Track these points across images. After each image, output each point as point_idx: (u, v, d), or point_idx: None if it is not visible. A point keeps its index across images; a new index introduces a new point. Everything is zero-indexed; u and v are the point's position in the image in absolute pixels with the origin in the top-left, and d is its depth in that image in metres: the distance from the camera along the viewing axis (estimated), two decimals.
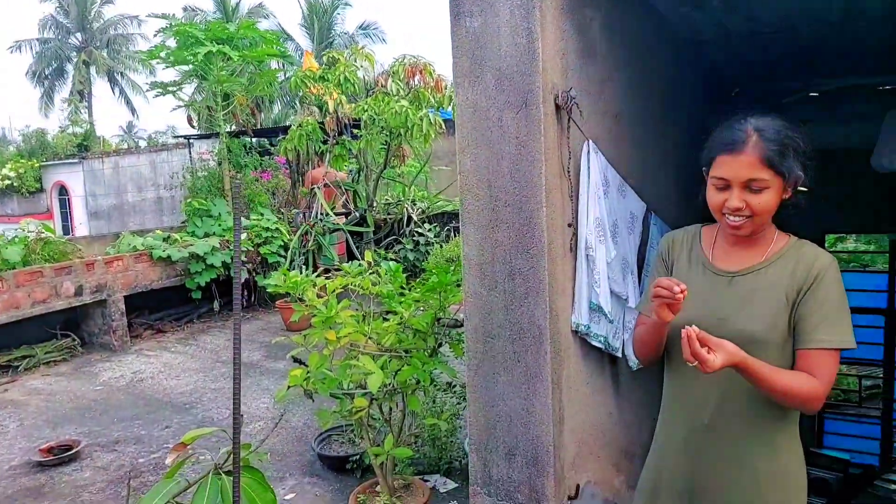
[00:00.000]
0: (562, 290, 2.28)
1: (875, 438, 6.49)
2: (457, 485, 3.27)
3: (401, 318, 2.75)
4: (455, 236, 8.26)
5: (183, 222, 8.51)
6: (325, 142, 7.86)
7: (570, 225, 2.35)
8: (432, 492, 3.11)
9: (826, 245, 6.45)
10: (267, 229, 7.47)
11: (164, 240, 7.41)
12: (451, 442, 3.50)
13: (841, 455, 5.02)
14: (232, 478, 1.36)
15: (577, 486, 2.34)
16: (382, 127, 7.13)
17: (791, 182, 1.58)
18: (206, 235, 7.60)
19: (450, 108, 7.56)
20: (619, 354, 2.59)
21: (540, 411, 2.20)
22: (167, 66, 8.03)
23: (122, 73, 30.44)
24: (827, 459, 5.28)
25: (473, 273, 2.33)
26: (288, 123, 11.62)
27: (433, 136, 7.10)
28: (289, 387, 2.59)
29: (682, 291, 1.52)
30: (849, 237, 9.58)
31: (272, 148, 9.72)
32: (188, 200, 8.02)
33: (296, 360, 2.86)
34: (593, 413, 2.55)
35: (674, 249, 1.83)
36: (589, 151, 2.37)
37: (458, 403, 3.59)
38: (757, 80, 4.84)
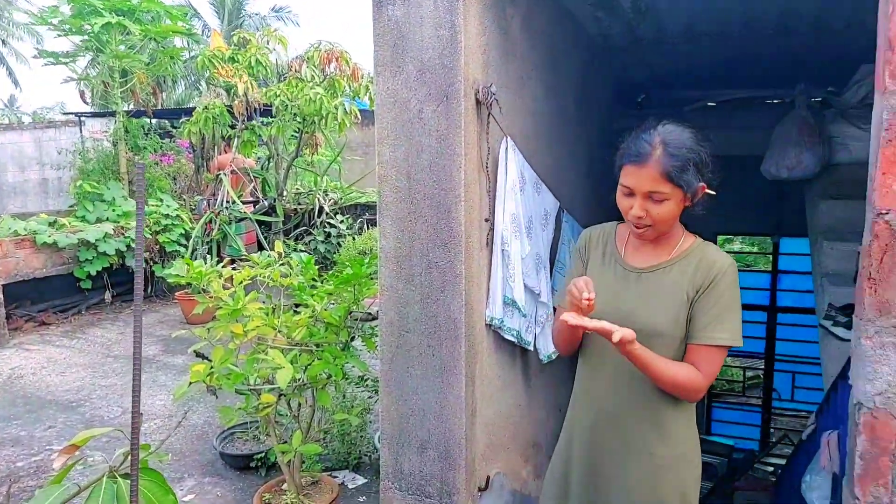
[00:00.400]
0: (477, 284, 2.29)
1: (756, 425, 7.03)
2: (366, 480, 3.23)
3: (312, 312, 2.67)
4: (368, 229, 8.16)
5: (72, 206, 7.90)
6: (232, 126, 7.52)
7: (487, 220, 2.36)
8: (341, 488, 3.05)
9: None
10: (167, 216, 7.06)
11: (50, 224, 6.84)
12: (362, 437, 3.46)
13: (726, 441, 5.41)
14: (129, 481, 1.27)
15: (488, 478, 2.37)
16: (295, 114, 6.91)
17: (690, 194, 1.67)
18: (98, 221, 7.09)
19: (366, 99, 7.44)
20: (531, 348, 2.64)
21: (453, 404, 2.20)
22: (59, 35, 7.40)
23: (3, 41, 27.85)
24: (713, 445, 5.67)
25: (390, 266, 2.30)
26: (192, 105, 11.05)
27: (348, 125, 6.97)
28: (190, 383, 2.45)
29: (588, 300, 1.58)
30: (735, 239, 10.32)
31: (174, 130, 9.21)
32: (78, 183, 7.44)
33: (198, 354, 2.71)
34: (504, 405, 2.59)
35: (590, 244, 1.90)
36: (507, 148, 2.39)
37: (370, 398, 3.54)
38: (662, 88, 5.09)
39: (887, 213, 1.65)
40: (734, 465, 5.49)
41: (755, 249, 9.91)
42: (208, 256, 6.48)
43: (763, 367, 6.99)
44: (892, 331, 1.66)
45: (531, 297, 2.60)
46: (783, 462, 5.50)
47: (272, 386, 2.57)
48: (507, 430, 2.63)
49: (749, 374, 7.70)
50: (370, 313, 3.20)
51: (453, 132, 2.14)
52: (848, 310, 3.19)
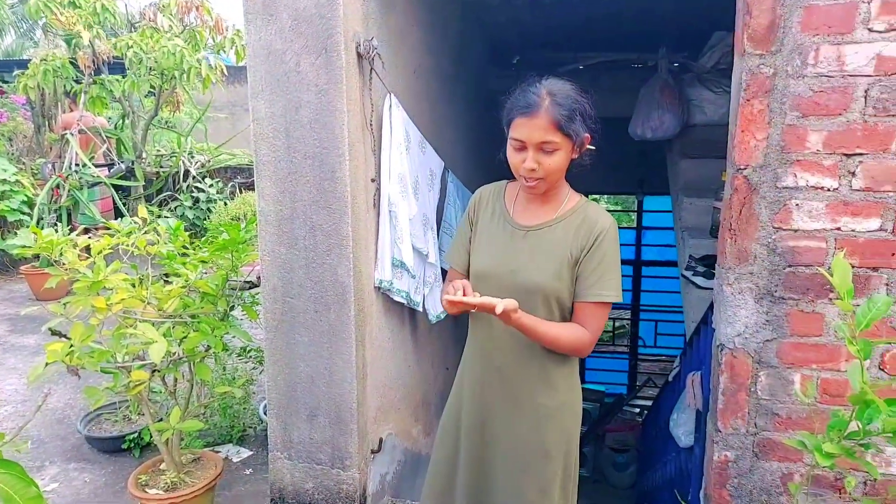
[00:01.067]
0: (365, 246, 2.24)
1: (624, 371, 7.61)
2: (251, 452, 3.12)
3: (186, 281, 2.48)
4: (241, 193, 7.73)
5: None
6: (78, 81, 6.74)
7: (373, 180, 2.30)
8: (225, 462, 2.92)
9: None
10: (4, 181, 6.26)
11: None
12: (245, 409, 3.31)
13: (598, 387, 5.80)
14: None
15: (380, 440, 2.36)
16: (151, 68, 6.30)
17: (578, 144, 1.70)
18: None
19: (231, 54, 6.93)
20: (420, 309, 2.64)
21: (343, 369, 2.16)
22: None
23: None
24: (587, 392, 6.06)
25: (271, 230, 2.18)
26: (27, 57, 9.79)
27: (213, 81, 6.48)
28: (47, 363, 2.20)
29: (459, 301, 1.58)
30: (601, 198, 10.94)
31: (5, 85, 8.13)
32: None
33: (54, 332, 2.43)
34: (394, 367, 2.58)
35: (481, 204, 1.90)
36: (391, 105, 2.33)
37: (254, 369, 3.40)
38: (536, 49, 5.19)
39: (745, 168, 1.78)
40: (605, 409, 5.91)
41: (619, 208, 10.59)
42: (58, 225, 5.85)
43: (630, 317, 7.55)
44: (750, 277, 1.81)
45: (419, 258, 2.58)
46: (649, 403, 6.01)
47: (144, 362, 2.37)
48: (398, 392, 2.63)
49: (617, 324, 8.29)
50: (250, 281, 3.05)
51: (334, 87, 2.03)
52: (706, 260, 3.49)
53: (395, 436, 2.57)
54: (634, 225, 7.38)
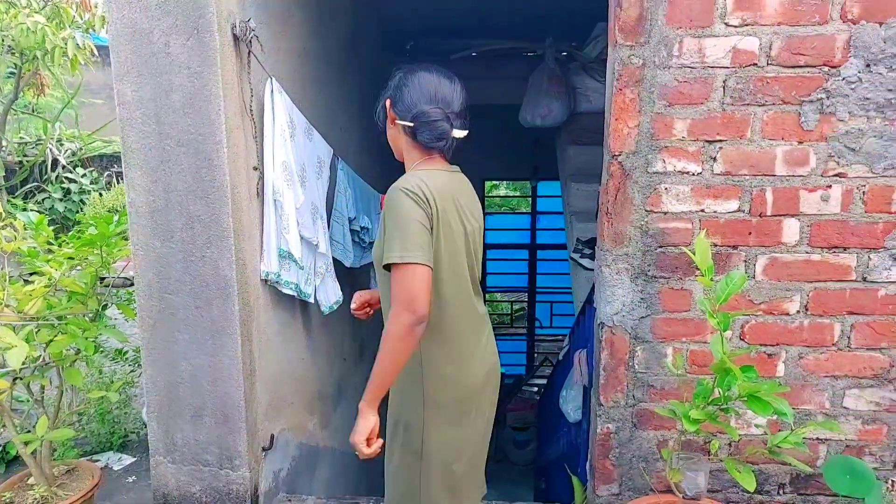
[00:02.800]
0: (249, 237, 2.15)
1: (522, 352, 7.85)
2: (135, 458, 2.94)
3: (50, 280, 2.28)
4: (118, 183, 7.22)
5: None
6: None
7: (255, 168, 2.21)
8: (105, 471, 2.73)
9: (484, 191, 7.41)
10: None
11: None
12: (125, 414, 3.11)
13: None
14: None
15: (272, 436, 2.29)
16: (10, 46, 5.74)
17: (381, 121, 1.84)
18: None
19: (103, 33, 6.43)
20: (311, 300, 2.57)
21: (229, 366, 2.07)
22: None
23: None
24: None
25: (143, 222, 2.05)
26: None
27: (82, 62, 5.97)
28: None
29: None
30: (501, 184, 11.16)
31: None
32: None
33: None
34: (286, 361, 2.51)
35: None
36: (273, 90, 2.23)
37: (132, 371, 3.19)
38: (429, 36, 5.19)
39: (619, 155, 1.86)
40: (505, 390, 6.07)
41: (517, 193, 10.86)
42: None
43: (527, 299, 7.79)
44: (625, 258, 1.90)
45: (308, 248, 2.51)
46: (545, 382, 6.24)
47: (3, 369, 2.17)
48: (291, 386, 2.56)
49: (516, 307, 8.52)
50: (127, 278, 2.85)
51: (208, 70, 1.93)
52: (593, 243, 3.64)
53: (289, 431, 2.51)
54: (529, 210, 7.60)
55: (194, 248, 2.03)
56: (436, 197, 1.66)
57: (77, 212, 6.72)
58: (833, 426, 1.55)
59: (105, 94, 9.25)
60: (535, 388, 6.52)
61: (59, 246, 2.42)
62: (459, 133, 1.73)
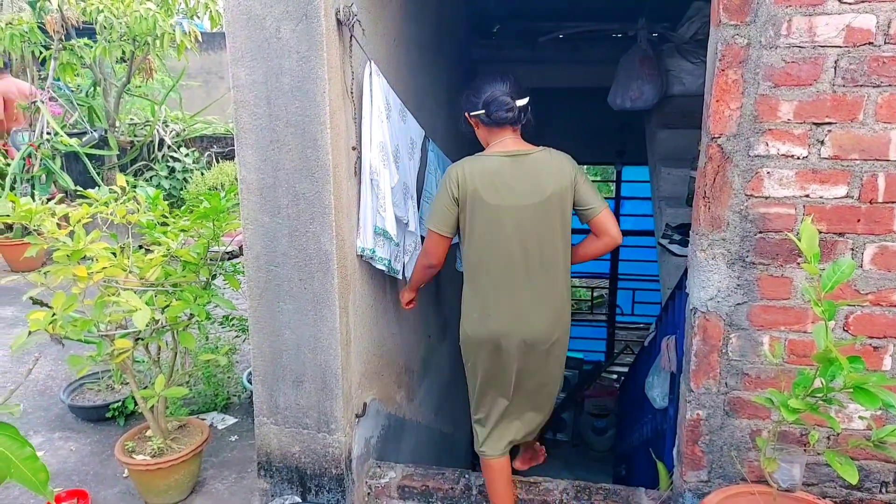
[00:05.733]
0: (347, 214, 2.25)
1: (602, 339, 7.77)
2: (236, 420, 3.16)
3: (167, 250, 2.49)
4: (217, 163, 7.63)
5: None
6: (46, 46, 6.54)
7: (354, 148, 2.30)
8: (210, 429, 2.96)
9: None
10: None
11: None
12: (229, 378, 3.34)
13: (576, 355, 5.92)
14: None
15: (364, 405, 2.41)
16: (123, 33, 6.15)
17: (463, 120, 2.37)
18: None
19: (205, 19, 6.77)
20: (400, 276, 2.67)
21: (328, 336, 2.19)
22: None
23: None
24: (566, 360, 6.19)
25: (253, 198, 2.18)
26: None
27: (188, 47, 6.34)
28: (30, 332, 2.20)
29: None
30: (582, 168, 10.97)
31: None
32: None
33: (35, 301, 2.43)
34: (378, 334, 2.62)
35: None
36: (371, 73, 2.32)
37: (237, 337, 3.41)
38: (517, 18, 5.17)
39: (720, 137, 1.82)
40: (584, 375, 6.05)
41: (598, 178, 10.66)
42: (33, 194, 5.73)
43: (608, 286, 7.68)
44: (722, 243, 1.87)
45: (399, 226, 2.60)
46: (625, 370, 6.16)
47: (127, 330, 2.39)
48: (382, 358, 2.68)
49: (596, 294, 8.42)
50: (231, 252, 3.05)
51: (315, 54, 2.03)
52: (682, 228, 3.56)
53: (379, 401, 2.63)
54: (613, 195, 7.46)
55: (299, 224, 2.15)
56: (468, 179, 2.19)
57: (181, 189, 7.17)
58: None
59: (202, 78, 9.76)
60: (615, 376, 6.45)
61: (173, 219, 2.62)
62: (521, 101, 2.22)
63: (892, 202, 1.74)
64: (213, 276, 2.62)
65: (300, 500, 2.28)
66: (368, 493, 2.45)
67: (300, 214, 2.14)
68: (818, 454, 1.90)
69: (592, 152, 6.75)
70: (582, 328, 7.65)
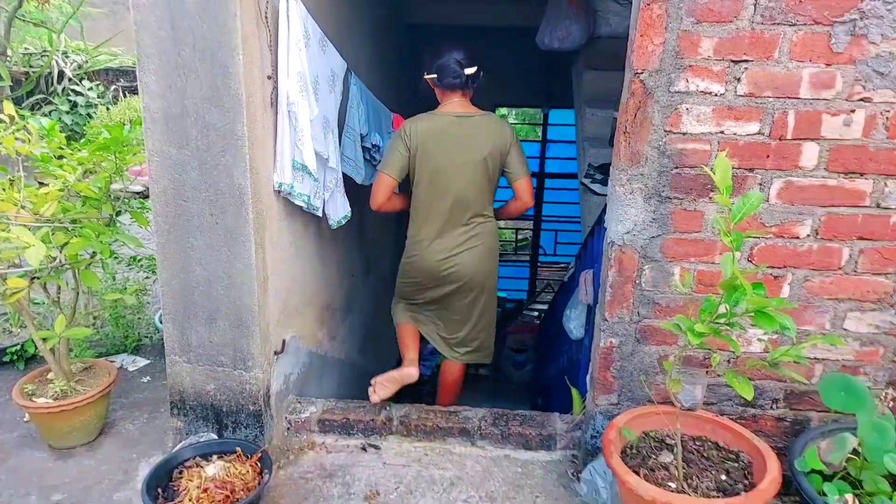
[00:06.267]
0: (262, 147, 2.14)
1: (525, 278, 7.96)
2: (149, 361, 3.04)
3: (64, 184, 2.30)
4: (125, 97, 7.12)
5: None
6: None
7: (269, 77, 2.18)
8: (120, 371, 2.84)
9: None
10: None
11: None
12: (139, 319, 3.20)
13: (500, 294, 6.05)
14: None
15: (283, 342, 2.36)
16: None
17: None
18: None
19: None
20: (320, 214, 2.59)
21: (243, 273, 2.11)
22: None
23: None
24: None
25: (159, 128, 2.04)
26: None
27: None
28: None
29: None
30: (510, 112, 10.98)
31: None
32: None
33: None
34: (297, 272, 2.55)
35: None
36: None
37: (147, 278, 3.25)
38: None
39: (642, 73, 1.83)
40: (506, 313, 6.20)
41: (527, 128, 10.71)
42: None
43: (532, 227, 7.82)
44: (640, 178, 1.90)
45: (319, 162, 2.50)
46: (545, 307, 6.35)
47: (21, 269, 2.22)
48: (302, 296, 2.62)
49: (520, 236, 8.56)
50: (138, 192, 2.86)
51: None
52: (604, 168, 3.62)
53: (299, 339, 2.58)
54: (539, 138, 7.50)
55: (210, 156, 2.03)
56: (419, 134, 2.54)
57: (84, 125, 6.67)
58: (836, 340, 1.59)
59: (107, 8, 8.99)
60: (536, 313, 6.64)
61: (71, 153, 2.42)
62: (470, 70, 2.52)
63: (800, 139, 1.81)
64: (118, 213, 2.46)
65: (216, 437, 2.23)
66: (288, 429, 2.43)
67: (211, 146, 2.02)
68: (718, 376, 2.02)
69: (520, 95, 6.72)
70: (506, 268, 7.79)
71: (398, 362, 2.82)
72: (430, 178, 2.56)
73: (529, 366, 5.66)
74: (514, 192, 2.68)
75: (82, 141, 2.58)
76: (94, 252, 2.28)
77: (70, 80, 7.05)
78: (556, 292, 5.26)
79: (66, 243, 2.23)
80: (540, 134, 7.52)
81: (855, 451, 1.70)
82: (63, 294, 2.48)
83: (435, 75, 2.54)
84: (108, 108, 6.63)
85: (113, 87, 7.40)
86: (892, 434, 1.62)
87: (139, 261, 3.14)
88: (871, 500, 1.61)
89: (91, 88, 7.07)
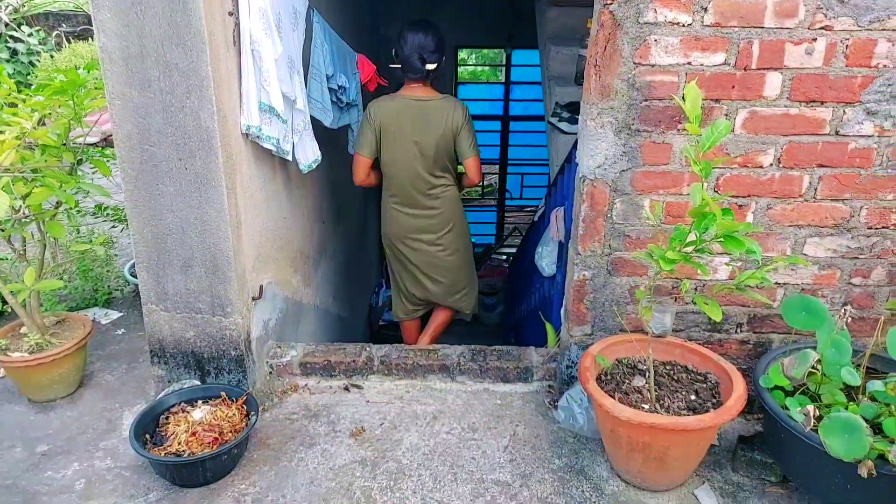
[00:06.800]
0: (228, 89, 2.09)
1: (492, 223, 8.02)
2: (121, 313, 3.01)
3: (21, 131, 2.21)
4: (69, 44, 6.77)
5: None
6: None
7: (231, 14, 2.10)
8: (94, 324, 2.81)
9: (457, 60, 7.17)
10: None
11: None
12: (109, 272, 3.14)
13: None
14: None
15: (260, 287, 2.36)
16: None
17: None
18: None
19: None
20: (290, 158, 2.55)
21: (216, 219, 2.09)
22: None
23: None
24: None
25: (117, 70, 1.96)
26: None
27: None
28: None
29: None
30: (470, 55, 10.80)
31: None
32: None
33: None
34: (269, 218, 2.53)
35: None
36: None
37: (113, 227, 3.18)
38: None
39: (612, 4, 1.83)
40: (475, 257, 6.27)
41: (487, 71, 10.56)
42: None
43: (497, 171, 7.83)
44: (610, 112, 1.93)
45: (287, 104, 2.45)
46: (514, 251, 6.43)
47: None
48: (275, 242, 2.61)
49: (486, 183, 8.58)
50: (95, 144, 2.77)
51: None
52: (571, 107, 3.63)
53: (276, 284, 2.58)
54: (503, 80, 7.43)
55: (174, 99, 1.97)
56: (381, 116, 2.86)
57: (28, 74, 6.34)
58: (797, 260, 1.68)
59: None
60: (504, 257, 6.73)
61: (24, 100, 2.32)
62: (430, 66, 2.84)
63: (764, 69, 1.85)
64: (79, 161, 2.38)
65: (199, 383, 2.25)
66: (270, 373, 2.46)
67: (174, 88, 1.96)
68: (687, 304, 2.11)
69: (482, 35, 6.61)
70: (474, 214, 7.84)
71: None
72: (392, 154, 2.92)
73: (500, 308, 5.78)
74: (464, 169, 3.04)
75: (33, 88, 2.47)
76: (58, 202, 2.22)
77: (7, 25, 6.66)
78: (526, 233, 5.32)
79: (28, 194, 2.16)
80: (503, 76, 7.44)
81: (814, 368, 1.81)
82: (29, 248, 2.42)
83: (399, 65, 2.88)
84: (51, 56, 6.31)
85: (55, 33, 7.02)
86: (849, 349, 1.72)
87: (104, 210, 3.06)
88: (829, 411, 1.73)
89: (31, 35, 6.69)
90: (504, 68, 7.39)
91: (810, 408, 1.65)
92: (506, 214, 8.01)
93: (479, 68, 9.63)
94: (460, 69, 10.08)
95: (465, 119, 2.88)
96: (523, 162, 7.61)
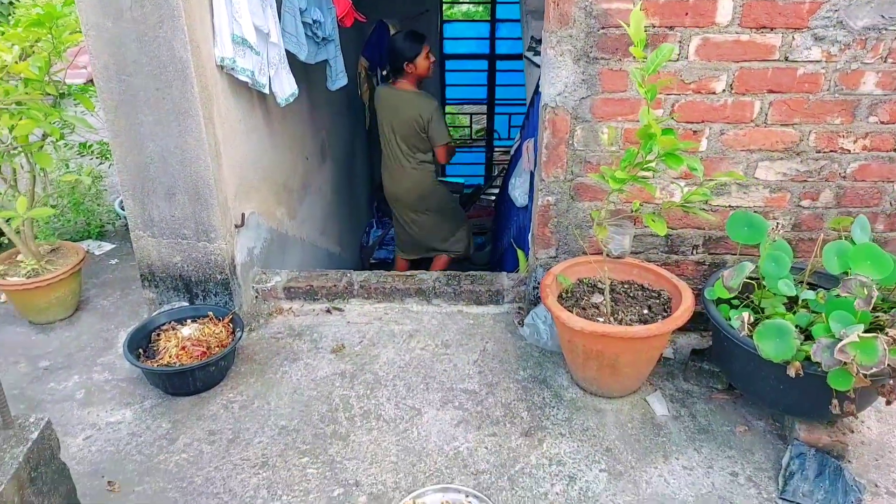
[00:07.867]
0: (200, 20, 2.15)
1: (481, 164, 8.07)
2: (114, 245, 3.13)
3: (2, 65, 2.27)
4: None
5: None
6: None
7: None
8: (88, 254, 2.93)
9: (443, 4, 7.06)
10: None
11: None
12: (99, 206, 3.25)
13: (458, 180, 6.20)
14: None
15: (243, 215, 2.48)
16: None
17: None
18: None
19: None
20: (266, 91, 2.62)
21: (195, 147, 2.18)
22: None
23: None
24: (447, 185, 6.44)
25: (90, 0, 2.01)
26: None
27: None
28: None
29: None
30: None
31: None
32: None
33: None
34: (250, 150, 2.62)
35: None
36: None
37: (101, 164, 3.26)
38: None
39: None
40: (464, 198, 6.34)
41: (481, 11, 10.26)
42: None
43: (486, 112, 7.83)
44: (569, 40, 2.00)
45: (260, 37, 2.50)
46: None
47: None
48: (257, 173, 2.70)
49: (476, 127, 8.56)
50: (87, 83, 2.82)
51: None
52: None
53: (259, 214, 2.69)
54: (489, 17, 7.33)
55: (147, 28, 2.03)
56: (376, 98, 3.78)
57: (8, 15, 6.24)
58: (735, 175, 1.79)
59: None
60: (493, 197, 6.81)
61: (2, 32, 2.37)
62: (407, 66, 3.61)
63: None
64: (62, 95, 2.46)
65: (188, 304, 2.39)
66: (256, 297, 2.60)
67: (146, 17, 2.02)
68: (645, 227, 2.23)
69: None
70: (463, 155, 7.86)
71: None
72: (380, 131, 3.84)
73: (488, 247, 5.90)
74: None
75: (12, 23, 2.52)
76: (44, 134, 2.30)
77: None
78: (506, 169, 5.40)
79: (14, 127, 2.24)
80: (489, 13, 7.34)
81: (761, 286, 1.94)
82: (20, 182, 2.52)
83: (387, 69, 3.86)
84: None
85: None
86: (787, 262, 1.85)
87: (90, 147, 3.15)
88: (766, 318, 1.88)
89: None
90: (490, 5, 7.29)
91: (745, 314, 1.79)
92: (494, 155, 8.05)
93: (473, 8, 9.46)
94: (453, 9, 9.92)
95: (433, 111, 3.62)
96: (511, 102, 7.59)
